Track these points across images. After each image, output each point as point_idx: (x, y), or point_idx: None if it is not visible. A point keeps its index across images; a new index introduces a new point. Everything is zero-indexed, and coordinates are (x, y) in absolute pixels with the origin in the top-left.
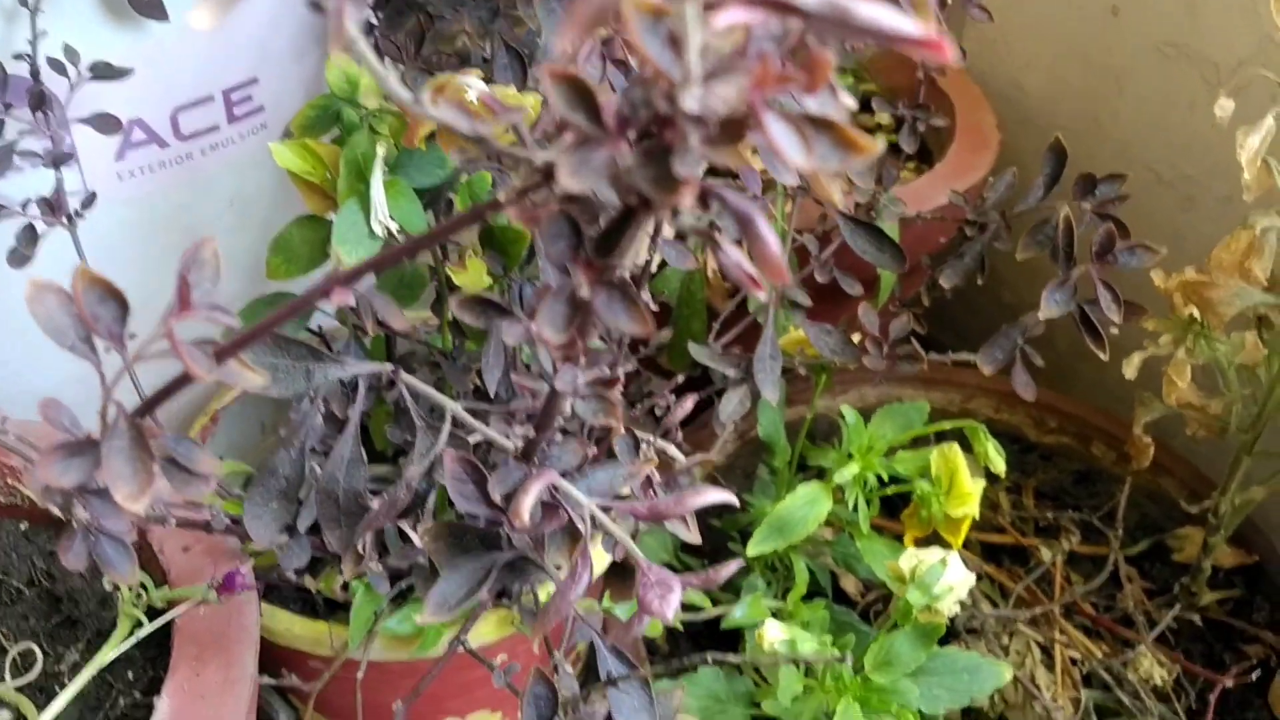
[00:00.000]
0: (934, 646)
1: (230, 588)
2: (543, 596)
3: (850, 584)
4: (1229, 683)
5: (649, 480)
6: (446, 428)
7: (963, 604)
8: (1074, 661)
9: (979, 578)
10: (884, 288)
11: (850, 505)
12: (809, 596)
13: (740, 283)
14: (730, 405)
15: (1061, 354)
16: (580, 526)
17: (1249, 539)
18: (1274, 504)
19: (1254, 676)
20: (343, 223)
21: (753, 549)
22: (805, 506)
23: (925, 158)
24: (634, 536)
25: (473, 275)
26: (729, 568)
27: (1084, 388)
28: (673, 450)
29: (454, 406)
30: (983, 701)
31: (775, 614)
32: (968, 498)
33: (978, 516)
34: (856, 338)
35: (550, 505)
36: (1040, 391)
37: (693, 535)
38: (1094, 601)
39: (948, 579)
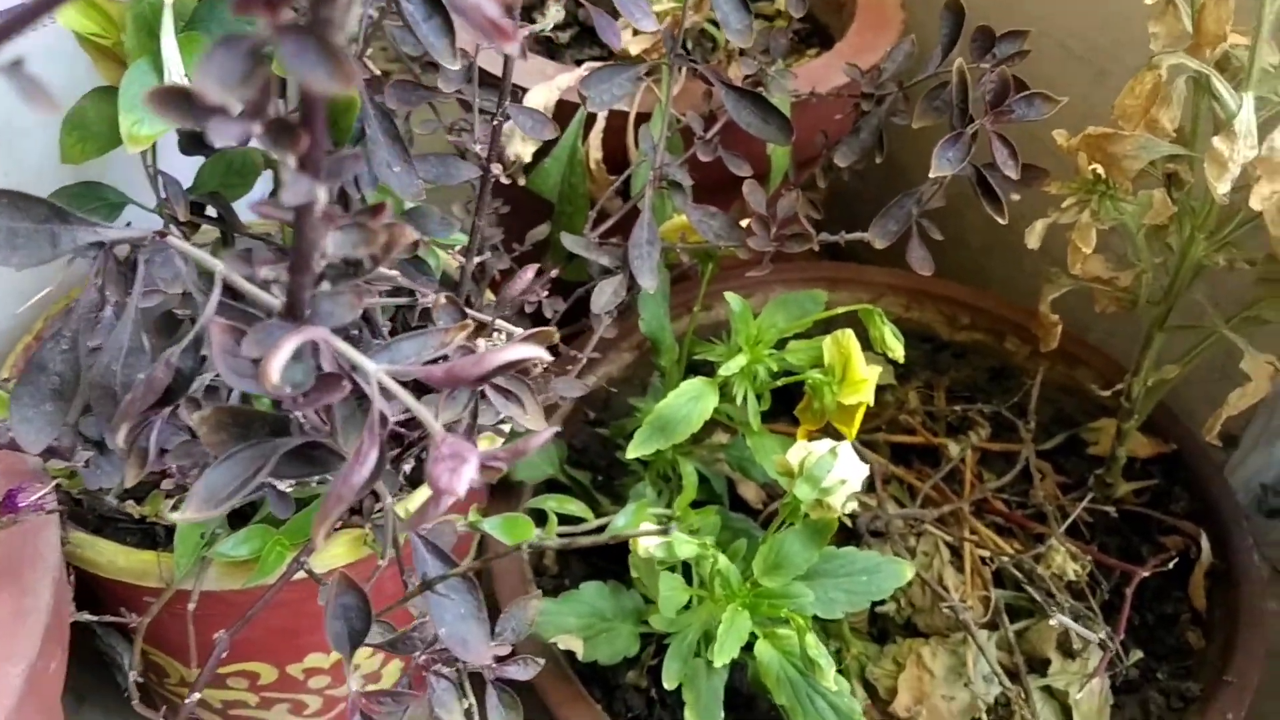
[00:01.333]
0: (826, 545)
1: (12, 508)
2: (402, 512)
3: (751, 491)
4: (1145, 574)
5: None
6: (216, 293)
7: (866, 505)
8: (984, 560)
9: (887, 480)
10: (776, 170)
11: (739, 400)
12: (706, 505)
13: (483, 31)
14: (604, 296)
15: (975, 251)
16: (371, 395)
17: (1165, 427)
18: (1190, 387)
19: (1171, 566)
20: (130, 87)
21: (632, 451)
22: (688, 403)
23: (828, 43)
24: (513, 447)
25: None
26: (539, 438)
27: (998, 284)
28: (508, 328)
29: (221, 268)
30: (889, 606)
31: (663, 522)
32: (861, 384)
33: (886, 417)
34: (746, 223)
35: (332, 375)
36: (952, 287)
37: (535, 419)
38: (1006, 499)
39: (839, 471)
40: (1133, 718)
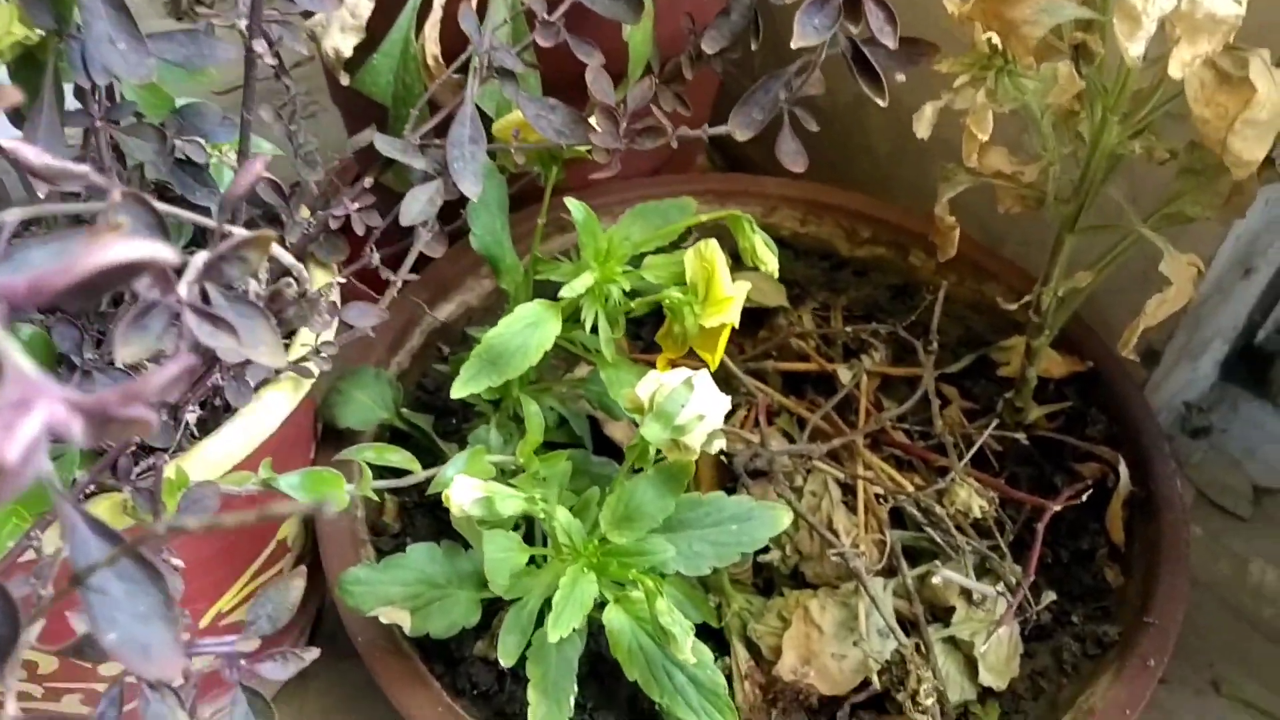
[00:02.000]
0: (691, 492)
1: None
2: (173, 472)
3: (620, 431)
4: (1057, 508)
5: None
6: None
7: (747, 441)
8: (880, 499)
9: (776, 413)
10: (635, 59)
11: (587, 326)
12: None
13: None
14: (416, 205)
15: (882, 160)
16: None
17: (1081, 344)
18: (1109, 298)
19: (1085, 498)
20: None
21: (459, 389)
22: (524, 331)
23: None
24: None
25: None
26: (164, 374)
27: (909, 195)
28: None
29: None
30: (773, 554)
31: (508, 472)
32: (725, 304)
33: (777, 342)
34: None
35: None
36: (852, 197)
37: (269, 353)
38: (908, 429)
39: (696, 405)
40: (1045, 667)
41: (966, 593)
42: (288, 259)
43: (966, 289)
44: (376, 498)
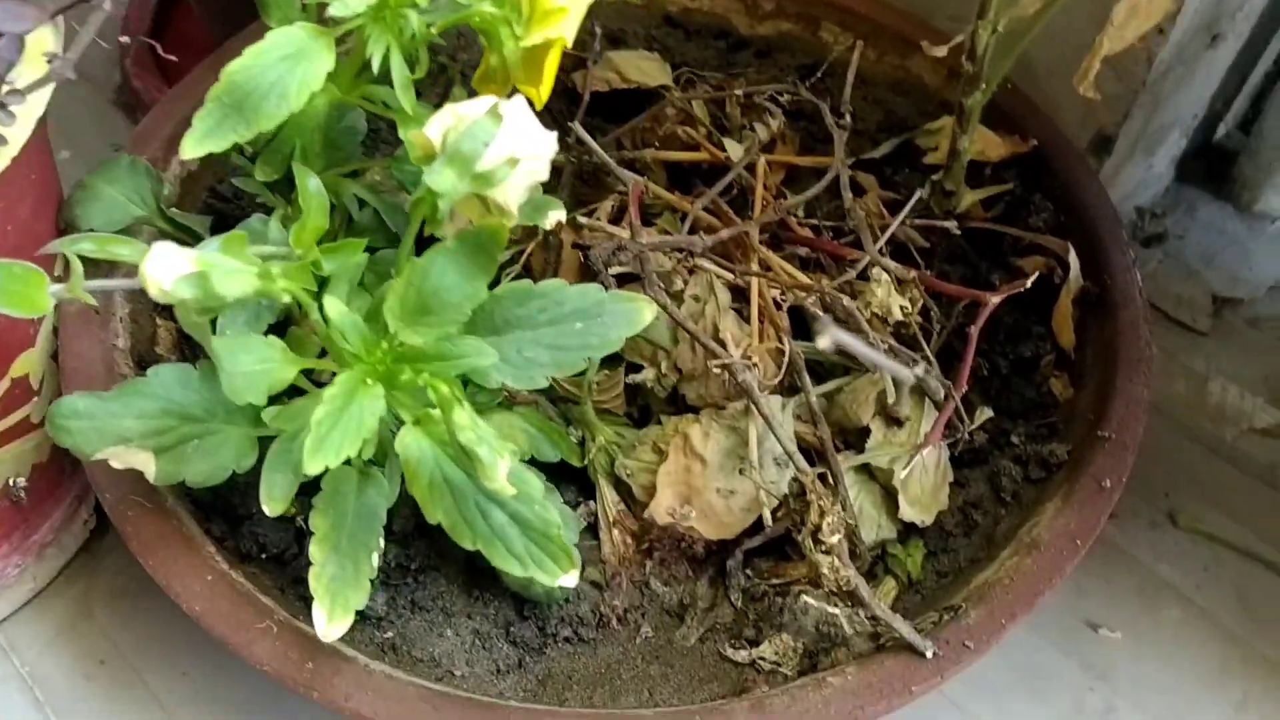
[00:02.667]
0: (495, 269)
1: None
2: None
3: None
4: (995, 300)
5: None
6: None
7: (610, 234)
8: (778, 303)
9: (657, 213)
10: None
11: (376, 64)
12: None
13: None
14: None
15: None
16: None
17: (1023, 122)
18: (1046, 70)
19: (1028, 286)
20: None
21: (190, 146)
22: (281, 65)
23: None
24: None
25: None
26: None
27: None
28: None
29: None
30: (647, 374)
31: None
32: (555, 15)
33: (662, 132)
34: None
35: None
36: None
37: None
38: (815, 225)
39: (507, 143)
40: (979, 496)
41: (885, 412)
42: None
43: (888, 65)
44: (143, 321)
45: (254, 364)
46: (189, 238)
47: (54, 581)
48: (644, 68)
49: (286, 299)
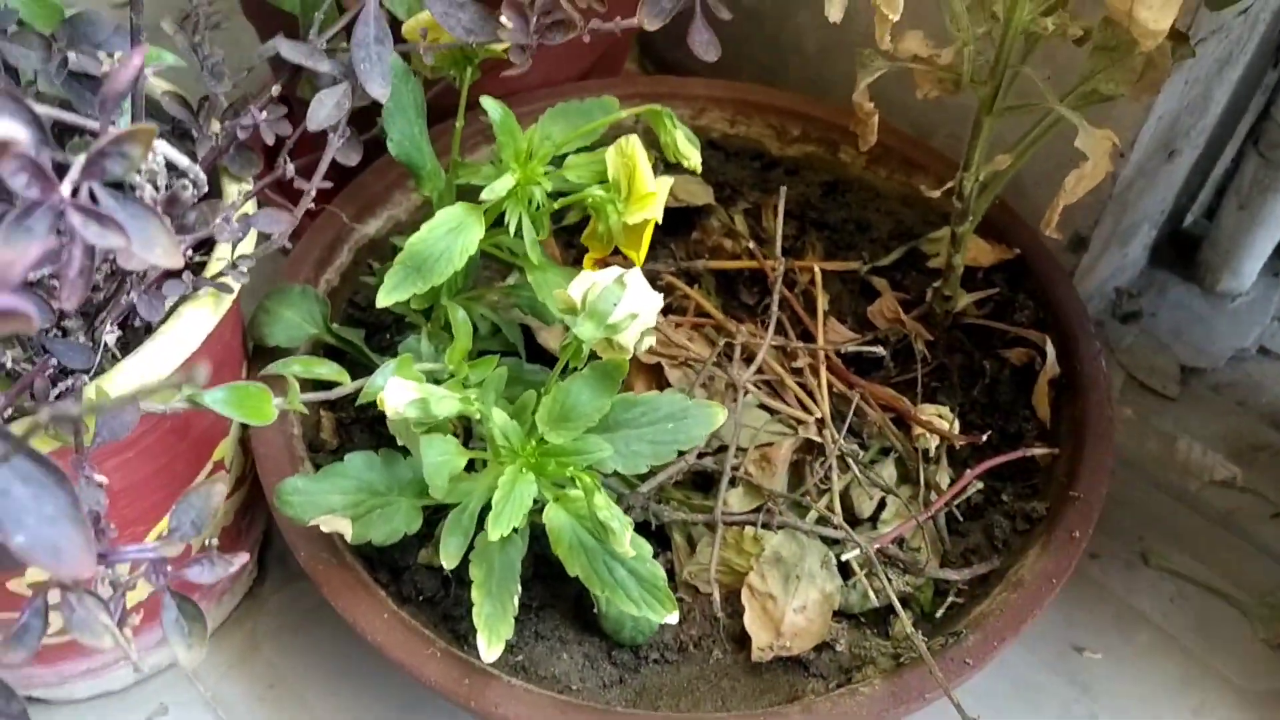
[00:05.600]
0: (616, 391)
1: None
2: (94, 393)
3: (554, 338)
4: (982, 469)
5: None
6: None
7: (680, 346)
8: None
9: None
10: None
11: (511, 230)
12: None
13: None
14: (323, 110)
15: (811, 58)
16: None
17: (1008, 232)
18: (1033, 186)
19: (983, 439)
20: None
21: (383, 298)
22: (446, 236)
23: None
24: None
25: None
26: (25, 253)
27: (840, 93)
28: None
29: None
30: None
31: (440, 381)
32: (648, 199)
33: (711, 244)
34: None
35: None
36: (779, 95)
37: (165, 254)
38: (840, 315)
39: (628, 304)
40: (977, 544)
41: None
42: (180, 159)
43: (896, 182)
44: (310, 413)
45: (440, 455)
46: (350, 349)
47: (227, 621)
48: (691, 190)
49: (477, 417)
